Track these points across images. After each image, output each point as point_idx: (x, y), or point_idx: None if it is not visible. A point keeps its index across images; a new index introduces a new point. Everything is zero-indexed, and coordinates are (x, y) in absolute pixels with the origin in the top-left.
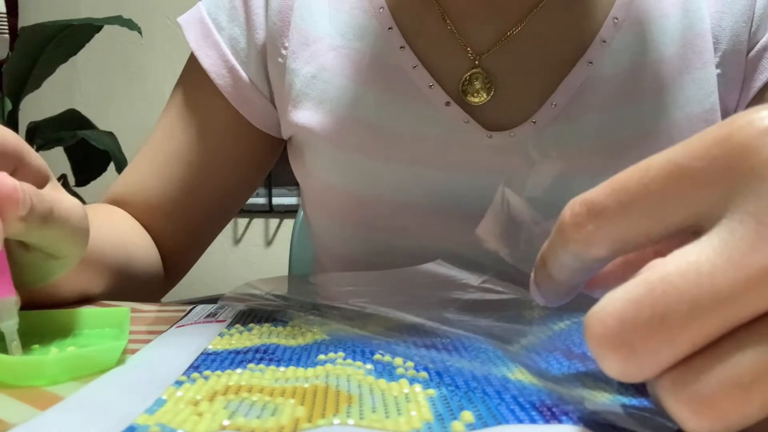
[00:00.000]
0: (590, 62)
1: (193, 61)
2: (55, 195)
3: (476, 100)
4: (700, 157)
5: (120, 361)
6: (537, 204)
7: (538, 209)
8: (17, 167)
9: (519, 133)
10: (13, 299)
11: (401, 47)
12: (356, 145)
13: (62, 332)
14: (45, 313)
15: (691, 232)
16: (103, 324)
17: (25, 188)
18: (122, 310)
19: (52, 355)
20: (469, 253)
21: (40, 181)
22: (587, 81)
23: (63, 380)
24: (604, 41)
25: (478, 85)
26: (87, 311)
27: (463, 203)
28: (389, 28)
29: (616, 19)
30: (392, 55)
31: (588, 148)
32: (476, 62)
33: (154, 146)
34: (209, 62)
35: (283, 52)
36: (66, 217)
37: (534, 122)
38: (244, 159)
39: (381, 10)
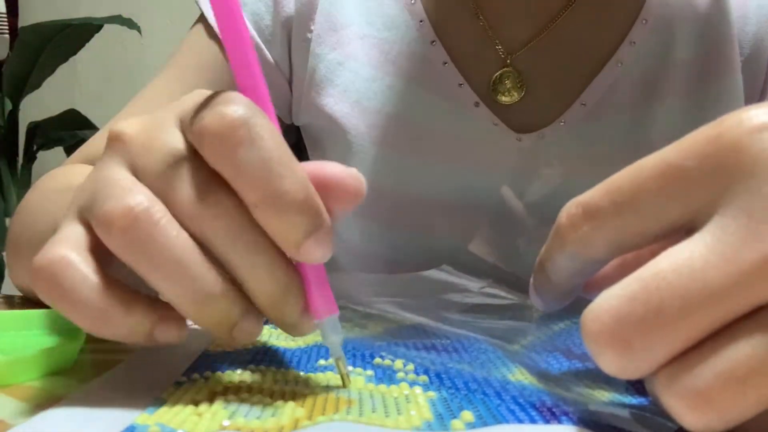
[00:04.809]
0: (620, 63)
1: (204, 29)
2: None
3: (507, 99)
4: (691, 156)
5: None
6: (559, 205)
7: (558, 211)
8: None
9: (548, 134)
10: (336, 315)
11: (432, 42)
12: (382, 139)
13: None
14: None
15: (685, 231)
16: None
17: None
18: None
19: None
20: (491, 253)
21: None
22: (616, 81)
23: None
24: (633, 42)
25: (509, 84)
26: None
27: (488, 203)
28: (420, 21)
29: (645, 20)
30: (423, 49)
31: (614, 148)
32: (507, 61)
33: (140, 99)
34: None
35: (308, 35)
36: None
37: (563, 123)
38: None
39: (413, 2)
